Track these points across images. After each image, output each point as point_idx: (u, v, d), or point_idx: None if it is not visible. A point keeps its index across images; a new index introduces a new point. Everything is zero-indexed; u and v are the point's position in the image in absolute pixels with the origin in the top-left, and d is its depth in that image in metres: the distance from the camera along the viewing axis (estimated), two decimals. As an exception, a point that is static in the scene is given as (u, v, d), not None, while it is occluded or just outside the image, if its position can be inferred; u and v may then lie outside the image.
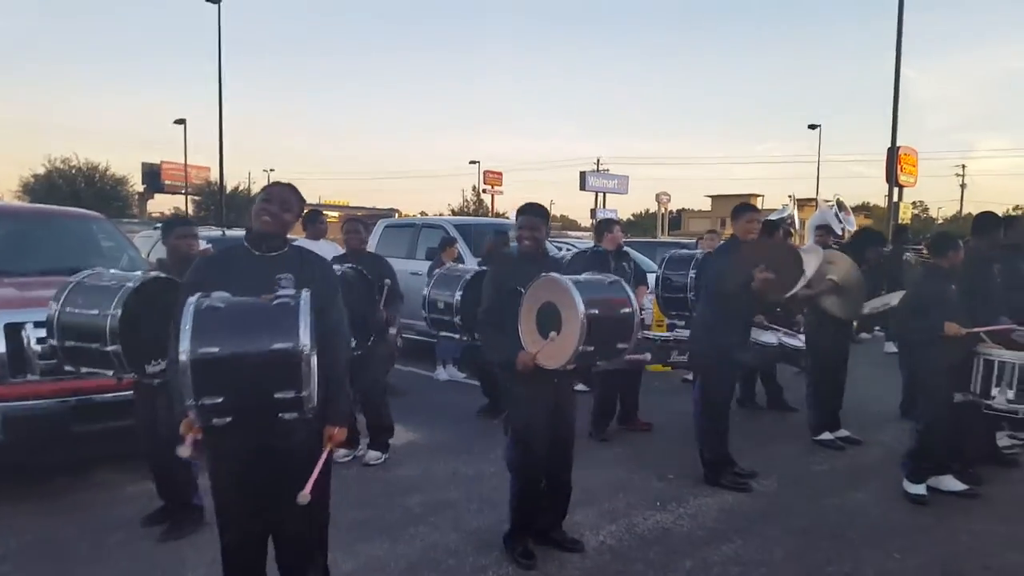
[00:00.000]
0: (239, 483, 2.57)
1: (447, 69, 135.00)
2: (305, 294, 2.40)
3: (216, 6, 25.67)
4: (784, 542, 3.88)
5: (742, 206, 4.79)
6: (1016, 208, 54.94)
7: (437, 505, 4.29)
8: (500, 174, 46.80)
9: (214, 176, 39.03)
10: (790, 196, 16.86)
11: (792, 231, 10.53)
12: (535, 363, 3.36)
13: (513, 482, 3.59)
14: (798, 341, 6.02)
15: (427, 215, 30.10)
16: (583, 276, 3.50)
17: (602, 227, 6.09)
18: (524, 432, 3.49)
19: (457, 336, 5.82)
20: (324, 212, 7.36)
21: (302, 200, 2.81)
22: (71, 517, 4.03)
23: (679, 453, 5.23)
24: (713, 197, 60.91)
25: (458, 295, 5.60)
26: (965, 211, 51.24)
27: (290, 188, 2.72)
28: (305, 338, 2.27)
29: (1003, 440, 5.14)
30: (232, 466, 2.55)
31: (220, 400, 2.23)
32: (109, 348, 3.40)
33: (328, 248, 6.08)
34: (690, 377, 6.25)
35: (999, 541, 3.88)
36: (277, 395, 2.28)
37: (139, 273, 3.78)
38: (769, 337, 6.04)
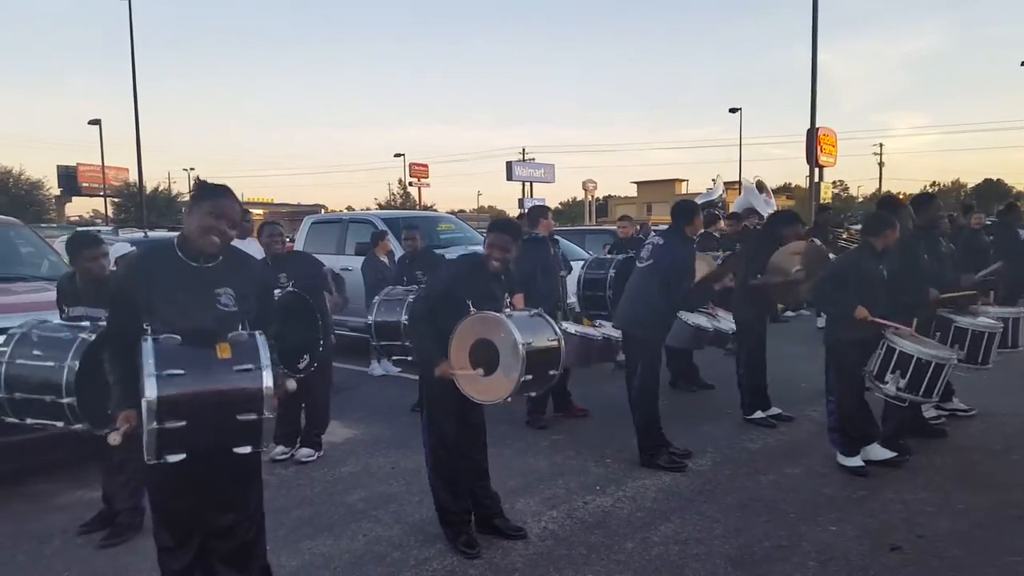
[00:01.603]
0: (178, 488, 2.49)
1: (368, 62, 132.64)
2: (261, 338, 2.40)
3: (127, 2, 24.48)
4: (722, 519, 3.92)
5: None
6: (933, 184, 57.77)
7: (379, 499, 4.28)
8: (426, 166, 46.47)
9: (133, 177, 37.52)
10: (715, 178, 17.19)
11: (718, 213, 10.70)
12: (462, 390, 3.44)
13: (429, 473, 3.68)
14: (728, 324, 6.12)
15: (354, 210, 29.57)
16: (515, 314, 3.50)
17: (536, 213, 6.10)
18: (435, 414, 3.59)
19: (409, 359, 5.68)
20: (249, 210, 7.10)
21: (244, 210, 2.66)
22: (4, 527, 3.94)
23: (616, 437, 5.26)
24: (638, 183, 62.00)
25: (404, 318, 5.47)
26: (884, 189, 53.59)
27: (236, 200, 2.56)
28: (268, 380, 2.31)
29: (929, 412, 5.32)
30: (172, 471, 2.41)
31: (183, 424, 2.22)
32: (64, 400, 3.36)
33: (254, 247, 5.85)
34: (621, 361, 6.29)
35: (930, 510, 4.00)
36: (239, 417, 2.29)
37: (88, 323, 3.66)
38: (704, 321, 6.12)
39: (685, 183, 56.78)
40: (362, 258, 7.82)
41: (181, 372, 2.22)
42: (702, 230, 5.81)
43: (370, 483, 4.57)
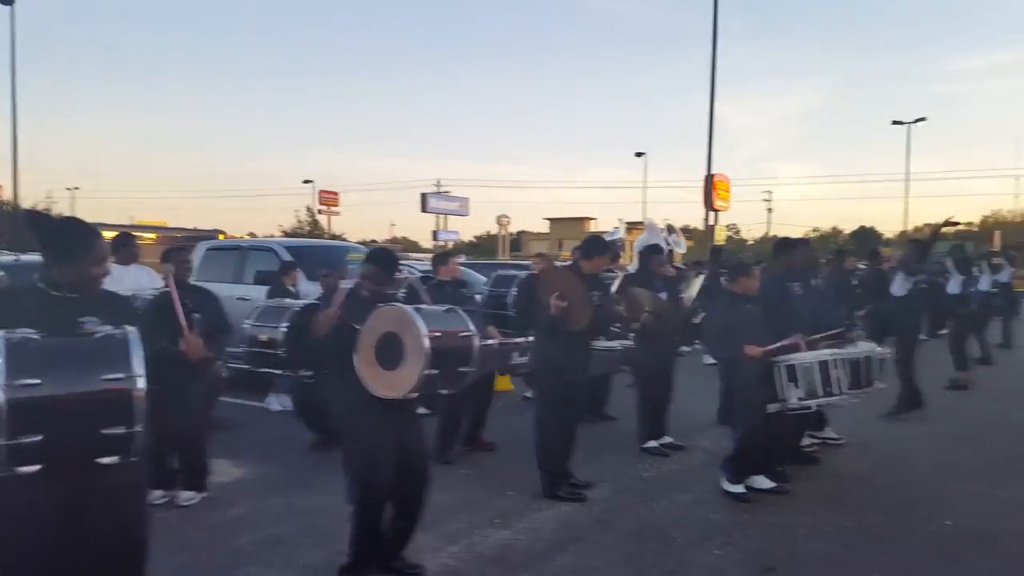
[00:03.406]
0: (39, 539, 2.23)
1: (275, 84, 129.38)
2: (133, 329, 2.27)
3: (9, 8, 23.16)
4: (616, 547, 4.05)
5: (599, 244, 5.04)
6: (814, 230, 61.85)
7: (269, 542, 4.09)
8: (336, 194, 45.66)
9: (8, 195, 34.91)
10: (620, 220, 17.93)
11: (621, 253, 11.13)
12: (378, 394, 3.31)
13: (354, 517, 3.49)
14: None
15: (256, 236, 28.66)
16: (421, 307, 3.47)
17: (438, 260, 6.18)
18: (365, 470, 3.41)
19: (279, 372, 5.59)
20: (134, 235, 6.83)
21: (127, 235, 2.59)
22: None
23: (521, 470, 5.28)
24: (551, 220, 63.35)
25: (283, 328, 5.38)
26: (772, 233, 57.09)
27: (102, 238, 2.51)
28: (139, 368, 2.18)
29: (804, 440, 5.69)
30: (29, 521, 2.22)
31: (39, 439, 2.03)
32: None
33: (139, 273, 5.66)
34: (530, 395, 6.40)
35: (804, 532, 4.28)
36: (105, 432, 2.13)
37: None
38: (612, 343, 6.26)
39: (594, 221, 58.41)
40: (262, 287, 7.64)
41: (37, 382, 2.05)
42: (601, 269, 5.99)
43: (260, 525, 4.36)
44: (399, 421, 3.46)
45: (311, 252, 8.99)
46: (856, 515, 4.54)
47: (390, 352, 3.26)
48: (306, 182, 48.96)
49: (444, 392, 3.38)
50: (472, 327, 3.47)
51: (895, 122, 37.71)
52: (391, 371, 3.26)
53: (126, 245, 5.93)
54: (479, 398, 5.94)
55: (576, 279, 4.78)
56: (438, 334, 3.22)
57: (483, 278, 10.34)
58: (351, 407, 3.40)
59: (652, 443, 5.95)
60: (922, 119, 37.66)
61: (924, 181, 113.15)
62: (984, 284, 10.93)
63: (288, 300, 5.80)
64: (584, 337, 4.94)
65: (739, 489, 4.83)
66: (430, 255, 7.81)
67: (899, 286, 7.37)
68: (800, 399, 4.73)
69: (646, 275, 6.15)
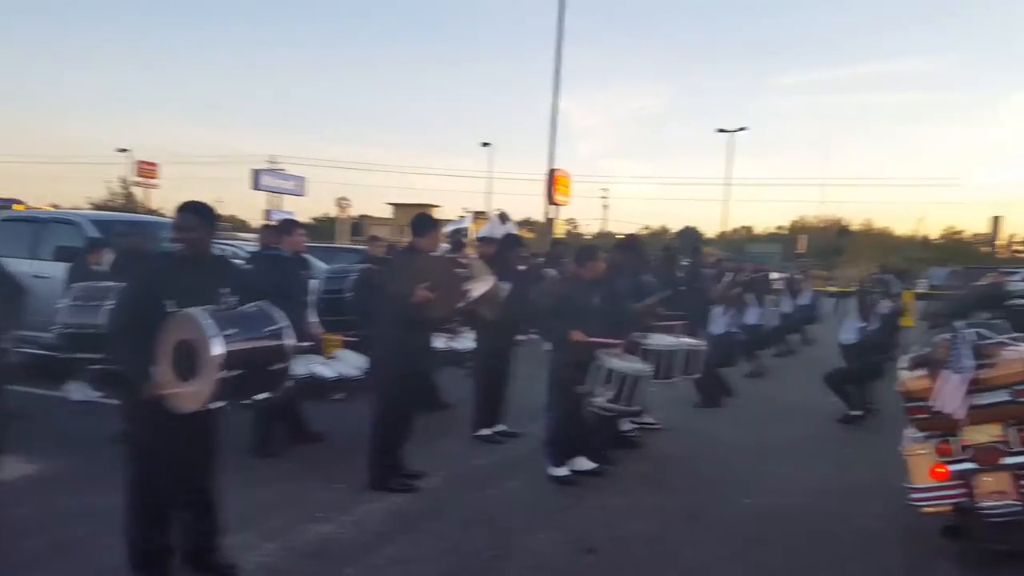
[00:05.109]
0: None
1: (89, 38, 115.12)
2: None
3: None
4: (446, 536, 4.04)
5: (428, 220, 4.88)
6: (645, 228, 65.85)
7: (64, 544, 3.73)
8: (155, 166, 42.26)
9: None
10: (466, 209, 18.06)
11: (465, 241, 11.16)
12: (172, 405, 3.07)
13: (128, 495, 3.28)
14: (462, 345, 6.37)
15: (60, 208, 25.83)
16: (220, 310, 3.17)
17: (282, 228, 5.79)
18: (142, 473, 3.23)
19: (93, 357, 5.02)
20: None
21: None
22: None
23: (350, 462, 5.11)
24: (395, 205, 62.47)
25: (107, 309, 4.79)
26: (607, 229, 60.08)
27: None
28: None
29: (625, 425, 5.99)
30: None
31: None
32: None
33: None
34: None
35: (623, 513, 4.50)
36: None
37: None
38: (438, 342, 6.28)
39: (439, 209, 58.42)
40: (63, 264, 6.86)
41: None
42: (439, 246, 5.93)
43: (53, 526, 3.94)
44: (190, 422, 3.19)
45: (122, 228, 8.17)
46: (671, 495, 4.86)
47: (186, 361, 3.01)
48: (121, 151, 45.02)
49: (262, 396, 3.18)
50: (283, 322, 3.21)
51: (720, 130, 40.87)
52: (188, 381, 3.01)
53: None
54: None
55: (448, 265, 4.66)
56: (232, 333, 2.98)
57: (323, 265, 9.96)
58: (138, 405, 3.16)
59: (485, 431, 6.01)
60: (743, 128, 41.12)
61: (743, 186, 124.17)
62: (787, 307, 12.26)
63: (104, 286, 5.17)
64: (428, 326, 4.86)
65: (564, 472, 4.99)
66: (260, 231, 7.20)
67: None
68: (608, 401, 4.96)
69: (503, 266, 6.10)
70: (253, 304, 3.27)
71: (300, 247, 5.76)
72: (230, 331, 2.97)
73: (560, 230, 24.73)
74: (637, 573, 3.72)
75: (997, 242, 39.07)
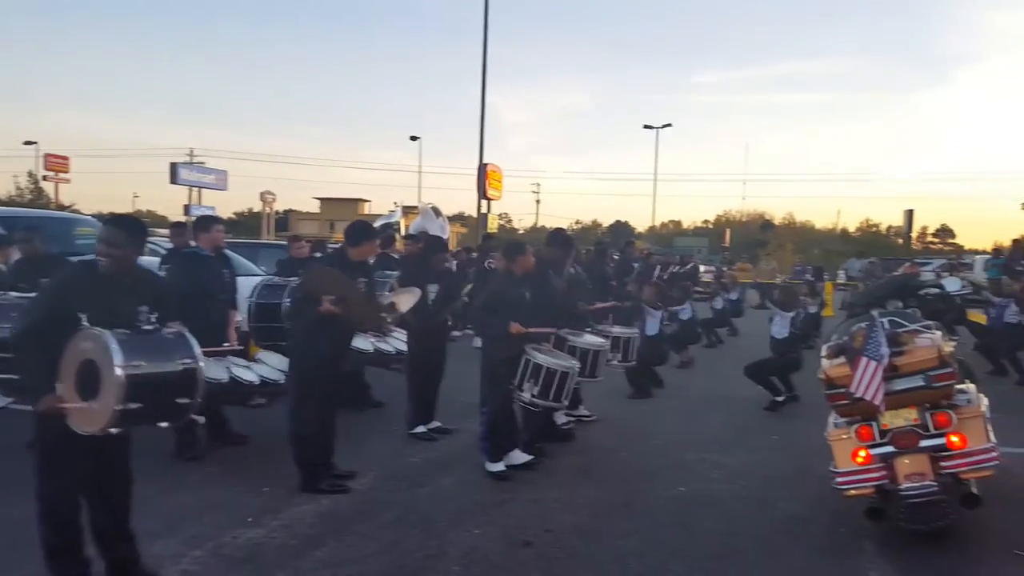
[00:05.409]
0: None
1: None
2: None
3: None
4: (378, 536, 3.96)
5: (364, 230, 4.79)
6: (577, 222, 66.71)
7: None
8: (67, 159, 40.18)
9: None
10: (396, 203, 17.83)
11: (396, 236, 11.02)
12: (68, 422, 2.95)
13: (38, 508, 3.16)
14: (390, 346, 6.28)
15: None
16: (132, 333, 3.01)
17: (199, 225, 5.55)
18: (55, 454, 3.10)
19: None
20: None
21: None
22: None
23: (278, 464, 4.97)
24: (322, 199, 61.15)
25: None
26: (540, 223, 60.54)
27: None
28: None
29: (560, 418, 6.02)
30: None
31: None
32: None
33: None
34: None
35: (558, 506, 4.51)
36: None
37: None
38: (364, 343, 6.11)
39: (368, 203, 57.48)
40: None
41: None
42: (374, 255, 5.81)
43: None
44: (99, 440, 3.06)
45: (29, 224, 7.69)
46: (603, 486, 4.90)
47: (90, 381, 2.89)
48: (28, 143, 42.70)
49: (163, 425, 3.10)
50: (197, 353, 3.10)
51: (646, 126, 41.56)
52: (89, 402, 2.90)
53: None
54: None
55: (347, 278, 4.51)
56: (139, 364, 2.87)
57: (248, 263, 9.61)
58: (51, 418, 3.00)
59: (420, 428, 5.93)
60: (668, 125, 41.93)
61: (669, 181, 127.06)
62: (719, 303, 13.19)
63: (15, 295, 4.81)
64: (345, 330, 4.73)
65: (499, 467, 4.98)
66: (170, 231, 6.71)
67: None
68: (532, 396, 5.00)
69: (424, 266, 6.00)
70: (172, 330, 3.15)
71: (220, 243, 5.56)
72: (137, 361, 2.87)
73: (493, 225, 24.67)
74: (572, 564, 3.73)
75: (912, 234, 41.10)
